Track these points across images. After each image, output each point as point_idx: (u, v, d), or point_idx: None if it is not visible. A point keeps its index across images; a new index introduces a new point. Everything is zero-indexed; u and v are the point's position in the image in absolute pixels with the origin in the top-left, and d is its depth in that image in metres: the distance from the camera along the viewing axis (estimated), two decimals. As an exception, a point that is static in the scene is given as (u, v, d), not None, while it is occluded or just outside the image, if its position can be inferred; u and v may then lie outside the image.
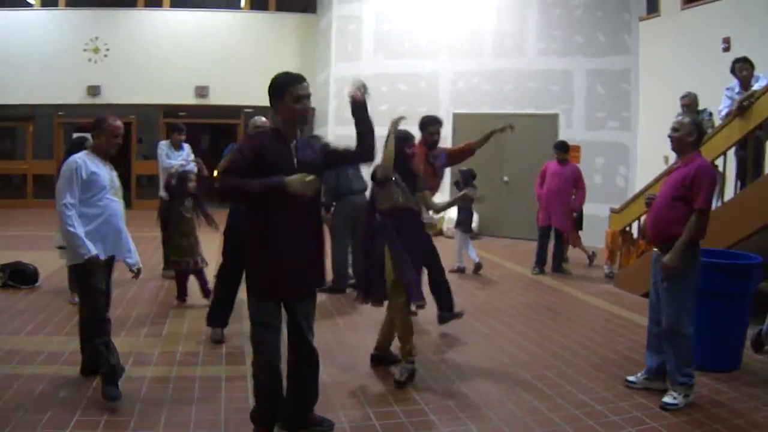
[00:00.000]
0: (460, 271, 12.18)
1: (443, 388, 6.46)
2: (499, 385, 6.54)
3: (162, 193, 11.04)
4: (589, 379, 6.64)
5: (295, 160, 4.88)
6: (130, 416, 5.59)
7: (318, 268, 5.10)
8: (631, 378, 6.45)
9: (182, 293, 9.53)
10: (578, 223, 12.97)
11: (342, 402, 6.00)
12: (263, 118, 8.60)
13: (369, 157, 5.25)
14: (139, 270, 6.35)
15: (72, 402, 5.82)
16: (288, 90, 4.92)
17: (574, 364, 7.12)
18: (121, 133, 6.20)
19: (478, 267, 12.21)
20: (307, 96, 5.00)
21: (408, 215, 6.75)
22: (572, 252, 13.07)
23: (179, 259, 9.36)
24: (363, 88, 5.41)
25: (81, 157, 5.94)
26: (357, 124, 5.23)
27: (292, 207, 4.73)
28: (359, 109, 5.25)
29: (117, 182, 6.19)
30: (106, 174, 6.03)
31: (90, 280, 5.85)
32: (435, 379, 6.72)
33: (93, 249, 5.69)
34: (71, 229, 5.65)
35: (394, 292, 6.62)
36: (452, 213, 15.60)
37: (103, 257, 5.87)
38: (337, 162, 5.50)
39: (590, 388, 6.40)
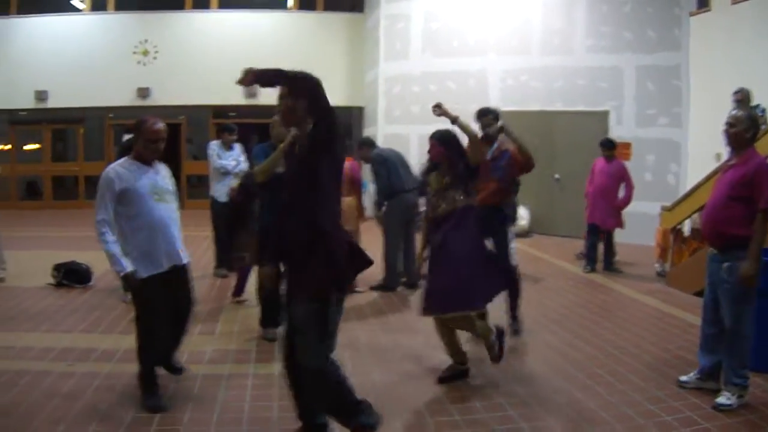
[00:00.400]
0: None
1: (494, 386, 6.50)
2: (551, 383, 6.57)
3: (214, 192, 11.16)
4: (641, 379, 6.63)
5: None
6: (182, 413, 5.73)
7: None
8: (683, 378, 6.41)
9: (240, 290, 9.67)
10: None
11: (400, 403, 6.03)
12: None
13: None
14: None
15: (128, 399, 5.96)
16: None
17: (626, 363, 7.11)
18: (161, 137, 5.82)
19: None
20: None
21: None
22: (620, 249, 12.94)
23: (243, 255, 9.46)
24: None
25: (116, 168, 5.72)
26: None
27: None
28: None
29: (164, 184, 5.93)
30: (147, 180, 5.77)
31: (138, 296, 5.81)
32: (486, 377, 6.77)
33: (128, 266, 5.53)
34: (104, 246, 5.53)
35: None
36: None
37: (151, 272, 5.70)
38: None
39: (642, 387, 6.39)
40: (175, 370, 6.36)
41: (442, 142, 6.68)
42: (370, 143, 11.03)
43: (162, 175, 5.98)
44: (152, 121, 5.78)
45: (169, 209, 5.89)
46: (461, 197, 6.55)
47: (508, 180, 8.18)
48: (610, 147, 12.42)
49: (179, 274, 5.99)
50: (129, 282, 5.64)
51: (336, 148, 4.90)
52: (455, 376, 6.60)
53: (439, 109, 6.76)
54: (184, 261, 6.02)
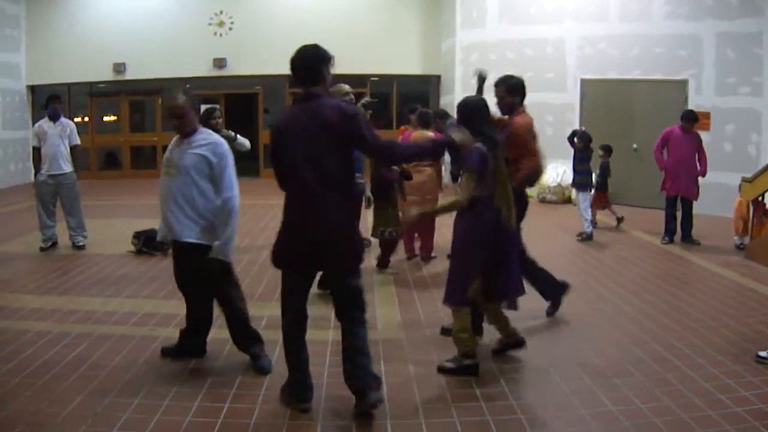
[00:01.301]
0: (588, 238, 12.15)
1: (570, 356, 6.51)
2: (627, 354, 6.55)
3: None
4: (718, 352, 6.56)
5: None
6: (263, 377, 5.88)
7: None
8: (762, 353, 6.30)
9: (386, 263, 9.93)
10: (604, 184, 13.42)
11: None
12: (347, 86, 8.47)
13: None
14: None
15: (206, 361, 6.21)
16: None
17: (703, 336, 7.05)
18: (175, 114, 5.84)
19: (583, 235, 12.36)
20: None
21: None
22: (698, 220, 12.71)
23: (390, 228, 9.62)
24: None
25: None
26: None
27: None
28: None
29: (178, 158, 5.84)
30: (168, 153, 6.01)
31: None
32: (563, 347, 6.82)
33: (160, 232, 6.10)
34: None
35: None
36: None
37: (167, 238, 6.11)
38: None
39: (720, 361, 6.32)
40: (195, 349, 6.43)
41: None
42: (442, 114, 11.01)
43: (183, 149, 5.88)
44: (167, 98, 5.90)
45: (171, 183, 5.86)
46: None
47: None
48: (694, 120, 12.22)
49: (179, 251, 6.07)
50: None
51: None
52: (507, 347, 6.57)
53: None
54: (183, 238, 5.85)
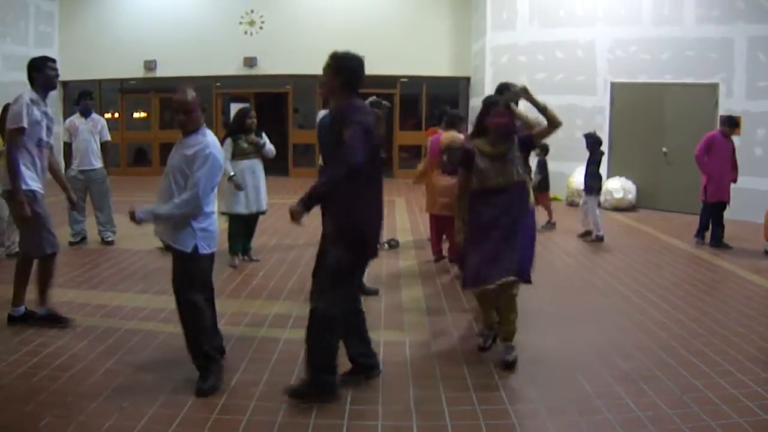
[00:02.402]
0: (599, 239, 12.15)
1: (598, 360, 6.48)
2: (656, 359, 6.50)
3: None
4: (748, 359, 6.50)
5: None
6: (291, 374, 5.88)
7: None
8: (792, 360, 6.28)
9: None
10: (545, 182, 13.45)
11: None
12: None
13: None
14: None
15: (233, 354, 6.23)
16: None
17: (732, 343, 6.99)
18: (183, 109, 5.77)
19: (589, 234, 12.50)
20: None
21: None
22: (728, 225, 12.63)
23: None
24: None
25: None
26: None
27: None
28: None
29: (174, 159, 5.74)
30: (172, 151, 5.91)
31: None
32: (590, 350, 6.77)
33: None
34: None
35: None
36: (612, 184, 15.58)
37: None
38: None
39: (749, 368, 6.27)
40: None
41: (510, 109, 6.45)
42: (457, 117, 10.91)
43: (177, 149, 5.82)
44: (177, 92, 5.84)
45: (163, 184, 5.79)
46: (520, 171, 6.35)
47: None
48: (735, 125, 12.30)
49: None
50: None
51: None
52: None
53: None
54: (169, 241, 5.75)
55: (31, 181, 6.96)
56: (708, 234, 12.25)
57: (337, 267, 5.32)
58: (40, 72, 7.04)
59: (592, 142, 12.41)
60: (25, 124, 6.78)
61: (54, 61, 7.21)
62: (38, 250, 7.11)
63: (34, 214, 6.92)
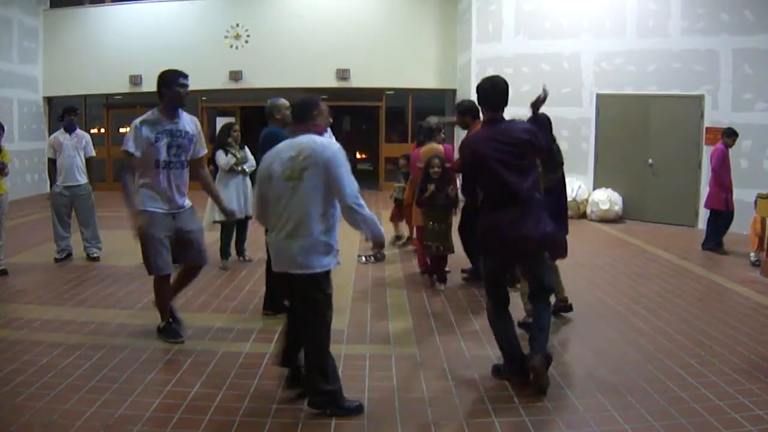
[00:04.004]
0: None
1: (585, 372, 6.49)
2: (642, 371, 6.50)
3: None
4: (733, 370, 6.51)
5: None
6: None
7: None
8: (778, 371, 6.29)
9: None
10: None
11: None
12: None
13: None
14: None
15: (221, 368, 6.13)
16: None
17: (718, 354, 7.00)
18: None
19: None
20: None
21: None
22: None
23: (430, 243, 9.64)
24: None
25: None
26: None
27: None
28: None
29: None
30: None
31: None
32: (577, 363, 6.77)
33: None
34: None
35: None
36: (598, 196, 15.60)
37: None
38: None
39: (735, 379, 6.28)
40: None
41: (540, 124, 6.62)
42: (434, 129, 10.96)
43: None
44: None
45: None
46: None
47: None
48: (737, 136, 12.77)
49: None
50: None
51: None
52: None
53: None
54: (308, 270, 5.37)
55: (149, 201, 6.92)
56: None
57: None
58: (169, 87, 7.11)
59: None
60: (131, 149, 6.85)
61: (186, 76, 7.29)
62: (148, 269, 7.12)
63: (145, 236, 6.89)
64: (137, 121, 6.95)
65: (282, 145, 5.49)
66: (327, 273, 5.38)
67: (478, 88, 6.22)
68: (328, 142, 5.43)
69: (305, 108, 5.58)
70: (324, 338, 5.45)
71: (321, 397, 5.39)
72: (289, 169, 5.29)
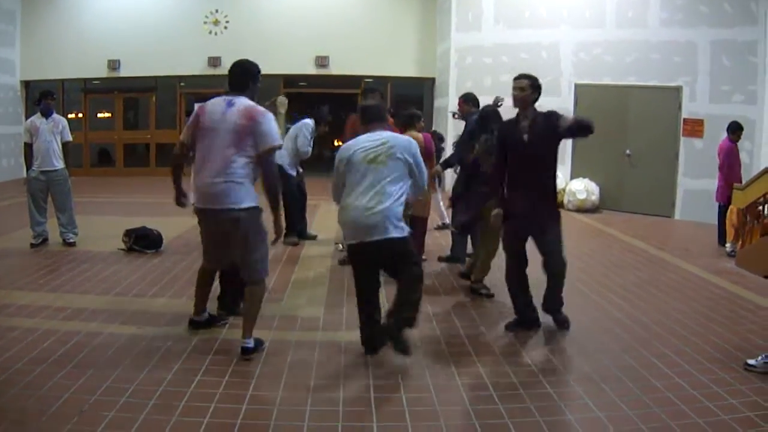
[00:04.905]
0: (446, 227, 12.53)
1: (560, 361, 6.55)
2: (617, 360, 6.53)
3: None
4: (707, 360, 6.55)
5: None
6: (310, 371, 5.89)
7: None
8: (751, 361, 6.27)
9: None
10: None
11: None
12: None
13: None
14: None
15: (194, 359, 6.12)
16: None
17: (692, 344, 7.04)
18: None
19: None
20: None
21: None
22: (691, 228, 12.75)
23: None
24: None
25: None
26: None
27: None
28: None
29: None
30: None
31: None
32: (553, 352, 6.82)
33: None
34: None
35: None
36: (575, 186, 15.62)
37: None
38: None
39: (708, 368, 6.31)
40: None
41: None
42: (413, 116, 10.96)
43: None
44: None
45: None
46: None
47: None
48: (741, 130, 12.78)
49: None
50: None
51: None
52: None
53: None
54: (398, 234, 6.30)
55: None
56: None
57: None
58: (256, 83, 6.98)
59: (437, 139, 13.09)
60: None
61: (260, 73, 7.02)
62: (266, 271, 6.67)
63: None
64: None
65: (363, 138, 6.49)
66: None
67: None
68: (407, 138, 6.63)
69: (380, 111, 6.86)
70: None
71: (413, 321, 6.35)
72: (374, 153, 6.28)
